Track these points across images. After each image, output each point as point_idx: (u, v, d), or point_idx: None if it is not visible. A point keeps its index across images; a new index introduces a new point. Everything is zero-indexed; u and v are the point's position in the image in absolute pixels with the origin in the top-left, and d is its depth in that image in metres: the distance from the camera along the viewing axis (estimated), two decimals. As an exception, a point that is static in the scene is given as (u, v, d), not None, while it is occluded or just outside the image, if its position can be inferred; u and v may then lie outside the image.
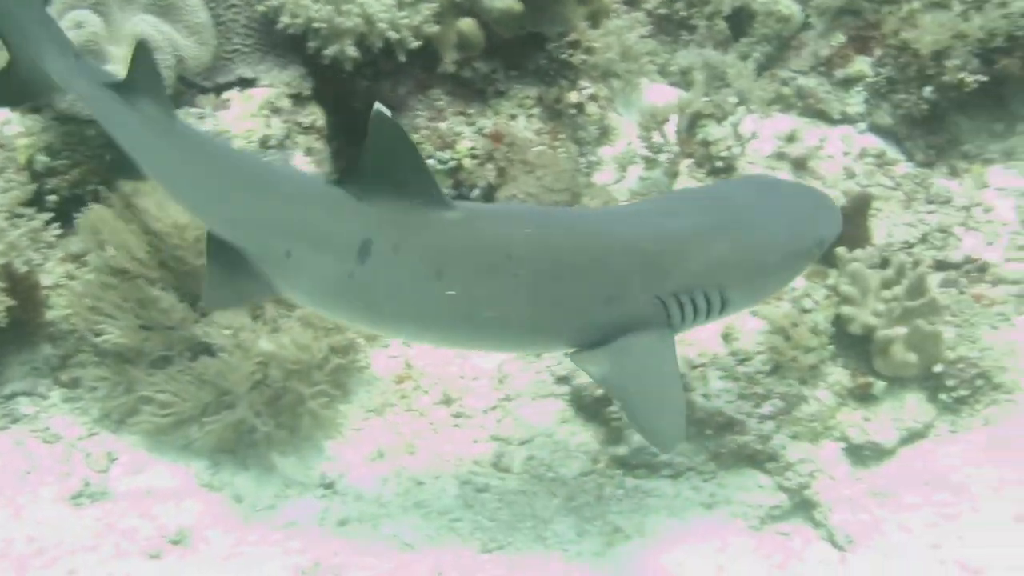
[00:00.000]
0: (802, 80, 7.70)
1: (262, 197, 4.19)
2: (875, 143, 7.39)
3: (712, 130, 6.66)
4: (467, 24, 5.99)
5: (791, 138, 7.15)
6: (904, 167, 7.21)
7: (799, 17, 7.86)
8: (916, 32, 7.18)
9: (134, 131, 4.33)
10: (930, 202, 6.83)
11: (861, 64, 7.54)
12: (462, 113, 6.18)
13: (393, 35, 5.79)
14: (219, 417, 5.27)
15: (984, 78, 7.00)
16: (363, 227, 3.96)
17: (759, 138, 6.85)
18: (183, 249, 5.40)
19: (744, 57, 7.82)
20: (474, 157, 6.11)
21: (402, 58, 5.89)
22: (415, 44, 5.87)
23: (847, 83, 7.58)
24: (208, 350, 5.36)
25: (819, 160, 7.04)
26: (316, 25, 5.75)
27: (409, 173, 3.85)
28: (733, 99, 6.83)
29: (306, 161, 5.92)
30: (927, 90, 7.14)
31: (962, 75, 6.99)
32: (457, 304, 4.03)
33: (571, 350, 4.21)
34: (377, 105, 3.79)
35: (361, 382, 5.78)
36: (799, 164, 6.94)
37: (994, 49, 7.03)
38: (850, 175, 7.02)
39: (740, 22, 7.97)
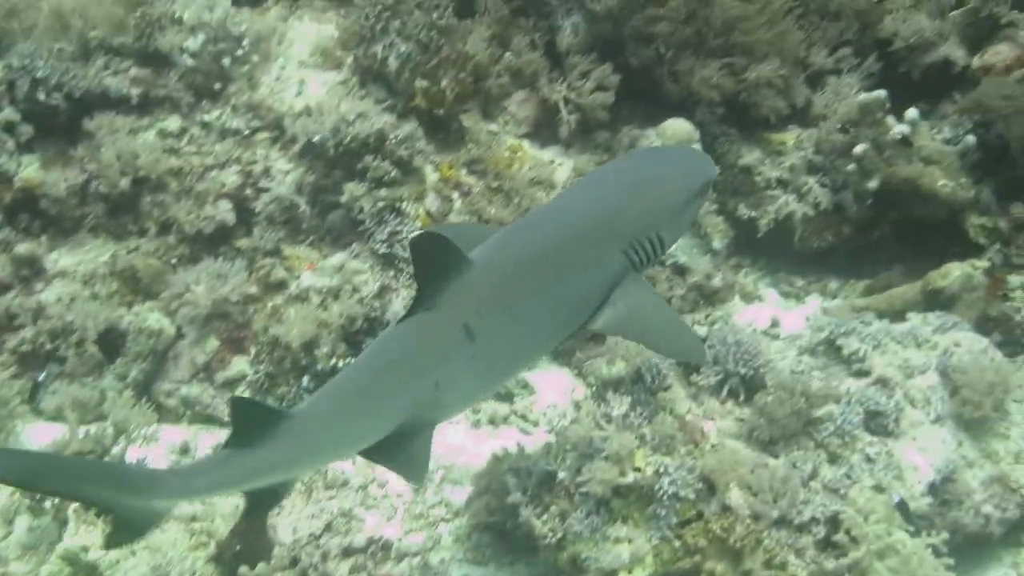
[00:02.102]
0: (185, 389, 7.69)
1: (389, 376, 4.81)
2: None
3: (95, 468, 6.38)
4: None
5: (185, 449, 7.12)
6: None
7: (170, 329, 7.79)
8: (284, 327, 7.43)
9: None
10: (328, 488, 6.94)
11: (240, 364, 7.64)
12: None
13: None
14: None
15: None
16: (460, 316, 4.72)
17: (149, 457, 6.66)
18: None
19: (123, 378, 7.63)
20: None
21: None
22: None
23: (230, 384, 7.63)
24: None
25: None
26: None
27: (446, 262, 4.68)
28: (111, 431, 6.61)
29: None
30: (305, 380, 7.37)
31: (333, 361, 7.34)
32: (526, 332, 5.01)
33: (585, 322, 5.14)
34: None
35: None
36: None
37: (356, 331, 7.50)
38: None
39: (112, 343, 7.77)
